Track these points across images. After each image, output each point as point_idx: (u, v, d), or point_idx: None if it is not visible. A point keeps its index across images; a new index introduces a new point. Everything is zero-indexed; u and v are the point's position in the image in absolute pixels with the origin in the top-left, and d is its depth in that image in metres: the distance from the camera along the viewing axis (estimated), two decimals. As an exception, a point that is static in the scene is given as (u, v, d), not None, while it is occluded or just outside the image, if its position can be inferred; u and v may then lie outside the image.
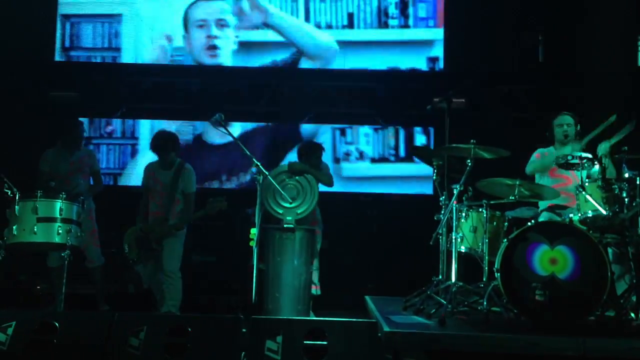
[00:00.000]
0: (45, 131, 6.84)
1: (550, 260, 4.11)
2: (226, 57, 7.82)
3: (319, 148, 5.63)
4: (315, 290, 5.58)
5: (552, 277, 4.07)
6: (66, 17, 7.81)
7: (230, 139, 4.80)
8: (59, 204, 4.64)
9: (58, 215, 4.62)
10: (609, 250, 4.46)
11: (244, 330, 3.67)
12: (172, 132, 5.73)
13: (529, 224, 4.35)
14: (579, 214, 4.40)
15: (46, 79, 7.42)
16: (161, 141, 5.49)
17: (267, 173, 4.50)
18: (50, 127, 7.00)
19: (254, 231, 4.24)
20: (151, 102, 7.55)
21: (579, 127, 5.09)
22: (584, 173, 4.52)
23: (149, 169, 5.60)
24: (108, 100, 7.51)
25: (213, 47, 7.82)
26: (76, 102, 7.36)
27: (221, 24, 7.92)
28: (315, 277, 5.47)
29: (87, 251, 5.55)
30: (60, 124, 5.93)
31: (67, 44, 7.79)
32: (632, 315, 4.13)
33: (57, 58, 7.70)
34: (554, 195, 4.86)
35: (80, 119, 7.19)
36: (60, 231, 4.60)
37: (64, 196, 4.68)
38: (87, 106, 7.44)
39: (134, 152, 7.87)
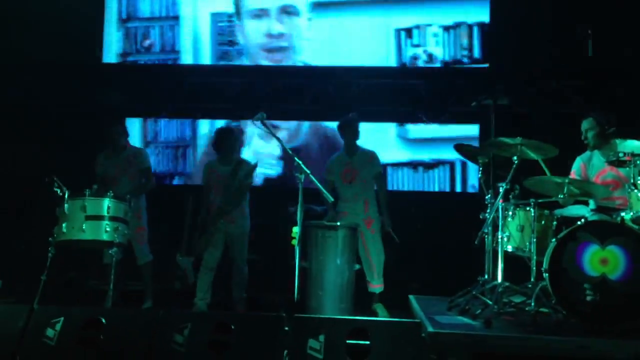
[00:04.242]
0: (92, 132, 7.01)
1: (600, 260, 4.01)
2: (296, 57, 7.68)
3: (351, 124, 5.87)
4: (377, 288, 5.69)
5: (603, 277, 3.97)
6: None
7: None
8: (106, 202, 4.78)
9: (106, 214, 4.76)
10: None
11: (286, 328, 3.67)
12: (232, 129, 5.97)
13: (579, 223, 4.23)
14: (631, 213, 4.26)
15: (94, 80, 7.57)
16: (220, 139, 5.75)
17: (308, 172, 4.48)
18: (96, 128, 7.19)
19: (295, 229, 4.23)
20: (195, 102, 7.64)
21: (607, 127, 4.90)
22: (636, 171, 4.36)
23: (209, 166, 5.85)
24: (153, 100, 7.62)
25: (275, 50, 7.68)
26: (122, 103, 7.50)
27: (289, 11, 7.81)
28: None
29: (134, 250, 5.65)
30: (105, 125, 6.05)
31: (124, 15, 7.94)
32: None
33: (112, 33, 7.90)
34: (605, 194, 4.72)
35: (128, 119, 7.39)
36: (107, 229, 4.74)
37: (112, 194, 4.81)
38: (132, 107, 7.57)
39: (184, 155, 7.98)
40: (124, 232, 4.85)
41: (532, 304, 4.16)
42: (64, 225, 4.65)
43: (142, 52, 7.93)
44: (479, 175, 5.11)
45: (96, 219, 4.72)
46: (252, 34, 7.90)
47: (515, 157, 4.57)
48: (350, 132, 5.83)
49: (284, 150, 4.60)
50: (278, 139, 4.64)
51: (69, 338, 3.78)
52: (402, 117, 7.67)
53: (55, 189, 4.70)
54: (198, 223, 5.68)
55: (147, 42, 7.94)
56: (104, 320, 3.82)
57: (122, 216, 4.86)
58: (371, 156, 5.87)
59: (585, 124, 5.02)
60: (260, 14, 7.89)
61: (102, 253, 5.50)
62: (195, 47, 7.86)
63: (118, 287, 4.92)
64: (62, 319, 3.84)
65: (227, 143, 5.75)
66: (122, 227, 4.83)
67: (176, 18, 7.90)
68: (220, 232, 5.59)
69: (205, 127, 7.90)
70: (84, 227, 4.66)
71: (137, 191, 5.71)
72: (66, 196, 4.69)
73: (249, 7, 7.91)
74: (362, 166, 5.78)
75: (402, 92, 7.57)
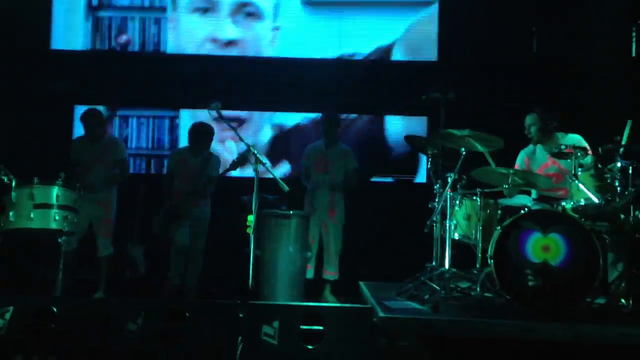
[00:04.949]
0: (42, 120, 6.85)
1: (542, 247, 4.16)
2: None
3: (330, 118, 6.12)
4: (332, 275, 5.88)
5: (545, 264, 4.13)
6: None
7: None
8: (55, 191, 4.70)
9: (54, 202, 4.69)
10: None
11: (241, 315, 3.70)
12: (210, 126, 5.99)
13: (523, 211, 4.40)
14: (572, 203, 4.45)
15: (42, 67, 7.36)
16: (200, 133, 5.90)
17: (264, 161, 4.52)
18: (43, 116, 7.03)
19: (250, 218, 4.27)
20: (147, 91, 7.53)
21: (550, 122, 5.11)
22: (576, 163, 4.54)
23: (178, 155, 6.02)
24: (102, 89, 7.47)
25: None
26: (71, 91, 7.32)
27: (247, 11, 7.01)
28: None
29: (97, 240, 5.65)
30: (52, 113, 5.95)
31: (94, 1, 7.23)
32: (623, 301, 4.20)
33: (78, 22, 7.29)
34: (547, 184, 4.91)
35: (76, 106, 7.23)
36: (56, 217, 4.67)
37: (60, 182, 4.72)
38: (82, 95, 7.40)
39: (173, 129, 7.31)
40: (73, 220, 4.79)
41: (478, 289, 4.29)
42: (11, 213, 4.56)
43: (116, 50, 7.26)
44: (429, 166, 5.24)
45: (45, 207, 4.65)
46: (189, 34, 7.05)
47: (463, 149, 4.71)
48: (328, 125, 6.09)
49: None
50: (234, 128, 4.64)
51: (19, 327, 3.71)
52: (351, 109, 7.75)
53: (2, 177, 4.59)
54: (167, 208, 5.68)
55: (123, 38, 7.20)
56: (55, 310, 3.77)
57: (72, 204, 4.79)
58: (346, 152, 6.12)
59: (528, 119, 5.21)
60: (207, 7, 7.07)
61: (51, 242, 5.41)
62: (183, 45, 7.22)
63: (67, 276, 4.85)
64: (11, 308, 3.76)
65: (206, 140, 5.91)
66: (71, 215, 4.77)
67: (163, 9, 7.07)
68: (187, 213, 5.70)
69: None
70: (32, 216, 4.59)
71: (108, 182, 5.67)
72: (13, 184, 4.59)
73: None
74: (336, 160, 6.03)
75: (352, 84, 7.64)
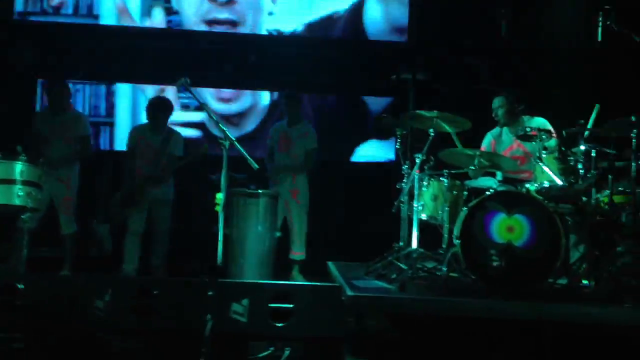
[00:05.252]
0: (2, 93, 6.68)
1: (507, 228, 4.23)
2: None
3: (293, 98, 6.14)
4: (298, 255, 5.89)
5: (509, 244, 4.20)
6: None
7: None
8: (19, 166, 4.58)
9: (18, 178, 4.56)
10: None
11: (210, 293, 3.70)
12: (168, 100, 5.89)
13: (488, 193, 4.47)
14: (536, 184, 4.54)
15: (4, 38, 7.16)
16: (157, 109, 5.73)
17: (233, 139, 4.47)
18: (7, 88, 6.85)
19: (219, 196, 4.23)
20: (113, 65, 7.37)
21: (516, 105, 5.20)
22: (541, 145, 4.62)
23: (138, 132, 5.82)
24: (68, 61, 7.30)
25: (218, 23, 7.20)
26: (34, 63, 7.13)
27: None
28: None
29: (59, 218, 5.57)
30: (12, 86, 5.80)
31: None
32: (584, 282, 4.31)
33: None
34: (512, 166, 5.00)
35: (40, 80, 7.05)
36: (20, 193, 4.55)
37: (24, 158, 4.62)
38: (47, 67, 7.22)
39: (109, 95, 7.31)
40: (37, 197, 4.68)
41: (444, 269, 4.34)
42: (-28, 189, 4.46)
43: (49, 12, 7.19)
44: (397, 147, 5.29)
45: (8, 183, 4.52)
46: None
47: (431, 130, 4.75)
48: (291, 104, 6.07)
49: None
50: (203, 104, 4.58)
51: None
52: (320, 89, 7.74)
53: None
54: (123, 189, 5.56)
55: (55, 0, 7.20)
56: (20, 286, 3.71)
57: (36, 180, 4.68)
58: (307, 132, 6.08)
59: (496, 102, 5.29)
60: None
61: (10, 219, 5.30)
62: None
63: (27, 254, 4.78)
64: (-27, 284, 3.70)
65: (164, 115, 5.75)
66: (35, 191, 4.65)
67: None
68: (145, 197, 5.56)
69: (126, 100, 7.37)
70: (-6, 192, 4.49)
71: (69, 158, 5.56)
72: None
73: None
74: (297, 139, 6.00)
75: (321, 63, 7.63)
